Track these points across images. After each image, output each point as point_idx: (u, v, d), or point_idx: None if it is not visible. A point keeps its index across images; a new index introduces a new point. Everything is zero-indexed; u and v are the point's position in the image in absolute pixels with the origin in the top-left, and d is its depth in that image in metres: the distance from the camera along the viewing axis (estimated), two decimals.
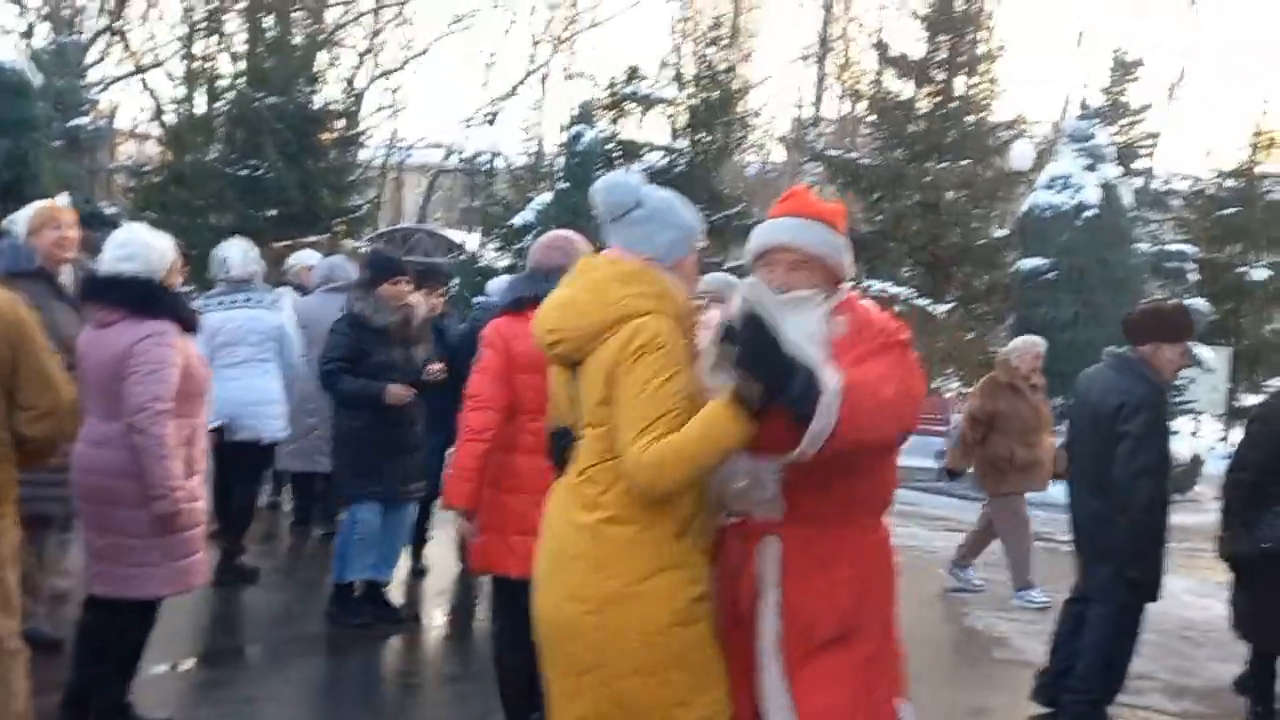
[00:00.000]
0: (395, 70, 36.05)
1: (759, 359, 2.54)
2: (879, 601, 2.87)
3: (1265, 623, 5.36)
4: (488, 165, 27.40)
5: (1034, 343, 8.53)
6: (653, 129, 22.04)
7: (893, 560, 2.97)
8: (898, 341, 2.77)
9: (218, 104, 27.84)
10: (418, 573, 7.62)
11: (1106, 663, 5.22)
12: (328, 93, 27.75)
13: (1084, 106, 18.63)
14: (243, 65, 27.33)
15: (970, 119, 20.42)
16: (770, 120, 33.47)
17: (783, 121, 32.86)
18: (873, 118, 21.77)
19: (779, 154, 31.03)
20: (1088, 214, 14.33)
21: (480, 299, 9.07)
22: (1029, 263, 14.71)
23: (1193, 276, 18.46)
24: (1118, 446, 4.98)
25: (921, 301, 17.57)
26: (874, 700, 2.78)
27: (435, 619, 6.92)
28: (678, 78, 22.51)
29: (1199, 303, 16.87)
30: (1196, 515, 11.23)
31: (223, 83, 26.84)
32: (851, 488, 2.79)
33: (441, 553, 7.95)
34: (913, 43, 20.96)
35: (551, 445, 2.98)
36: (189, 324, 4.34)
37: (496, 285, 8.05)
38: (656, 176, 20.43)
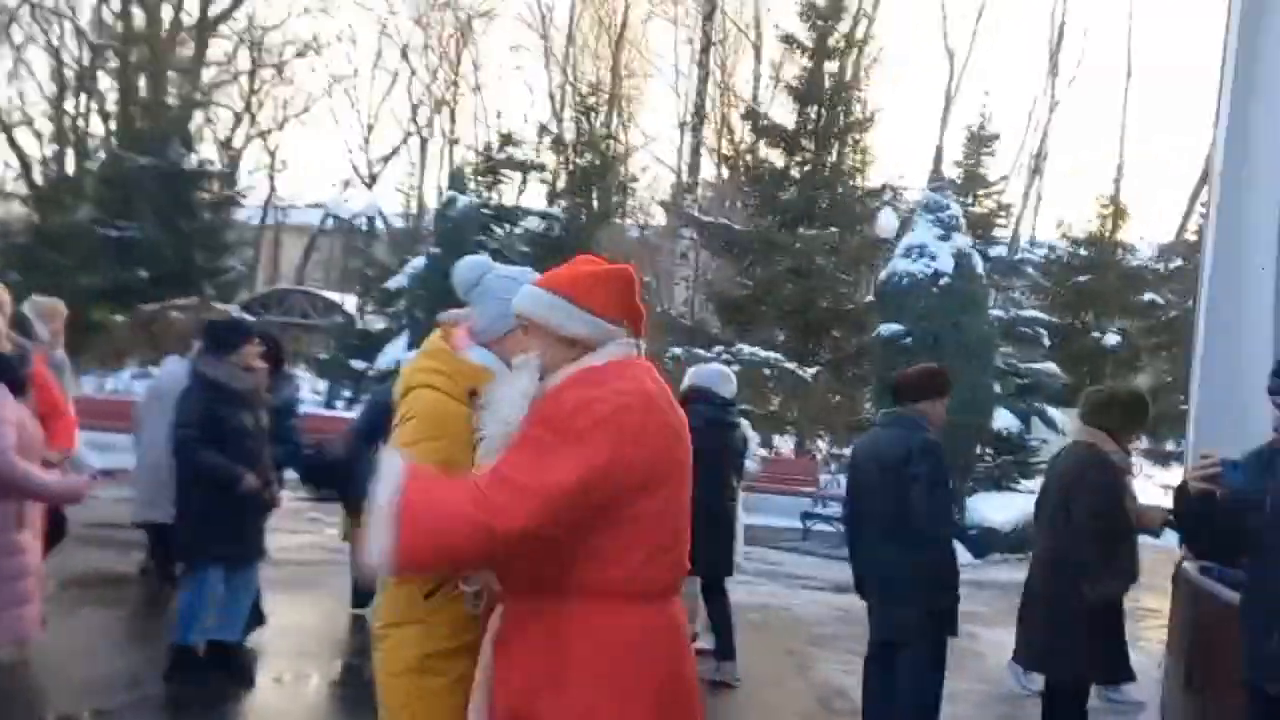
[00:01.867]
0: (273, 130, 36.07)
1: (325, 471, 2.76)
2: (586, 691, 2.57)
3: (1059, 655, 5.66)
4: (367, 227, 27.41)
5: None
6: (533, 194, 22.43)
7: (640, 651, 2.62)
8: (571, 429, 2.53)
9: (88, 163, 27.46)
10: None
11: (925, 703, 5.51)
12: (203, 152, 27.63)
13: (937, 178, 19.39)
14: (114, 125, 27.05)
15: (840, 188, 21.15)
16: (651, 185, 34.25)
17: (664, 186, 33.55)
18: (747, 185, 22.38)
19: (660, 218, 31.61)
20: (943, 281, 14.89)
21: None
22: (888, 328, 15.21)
23: (1045, 342, 19.21)
24: (910, 491, 5.36)
25: (790, 365, 17.98)
26: None
27: (287, 678, 6.92)
28: (556, 143, 22.89)
29: (1050, 366, 17.58)
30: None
31: (93, 142, 26.54)
32: (560, 565, 2.58)
33: (297, 609, 7.95)
34: (785, 113, 21.70)
35: None
36: (19, 386, 4.40)
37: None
38: (534, 241, 20.73)
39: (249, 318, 19.44)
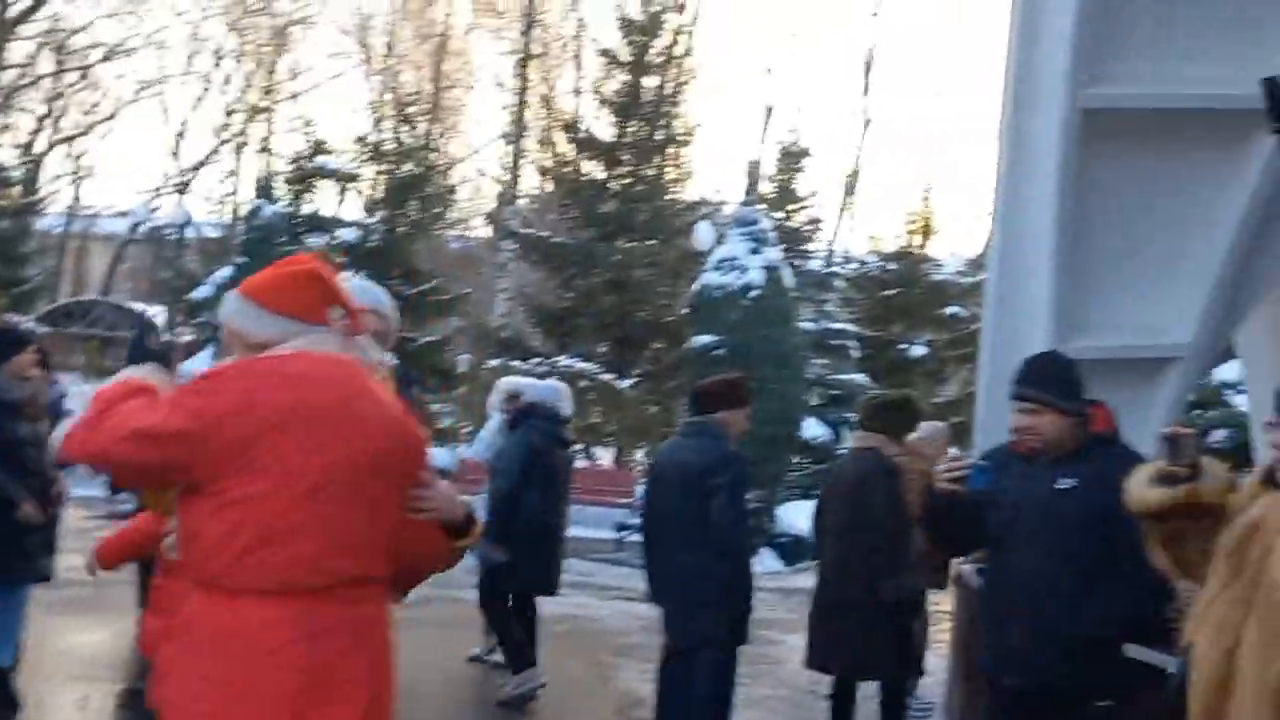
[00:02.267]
0: (79, 135, 34.64)
1: None
2: (173, 686, 2.58)
3: (846, 652, 5.88)
4: (177, 236, 26.56)
5: (940, 428, 8.30)
6: (352, 204, 22.05)
7: (261, 654, 2.50)
8: (185, 389, 2.66)
9: None
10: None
11: (719, 706, 5.65)
12: (2, 157, 26.40)
13: (749, 193, 19.87)
14: None
15: (658, 201, 21.42)
16: (475, 196, 34.12)
17: (489, 198, 33.46)
18: (566, 198, 22.47)
19: (485, 230, 31.52)
20: (753, 294, 15.25)
21: None
22: (701, 339, 15.52)
23: (855, 353, 19.81)
24: (712, 500, 5.49)
25: (607, 376, 18.13)
26: None
27: (64, 700, 6.66)
28: (374, 152, 22.57)
29: (859, 377, 18.13)
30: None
31: None
32: (195, 547, 2.60)
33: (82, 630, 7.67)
34: (604, 126, 21.88)
35: None
36: None
37: None
38: (350, 251, 20.40)
39: (39, 328, 18.63)
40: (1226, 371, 12.36)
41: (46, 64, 33.62)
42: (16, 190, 25.53)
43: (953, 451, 5.78)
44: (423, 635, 8.79)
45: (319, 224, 20.84)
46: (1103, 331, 6.17)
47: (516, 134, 27.80)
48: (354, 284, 3.27)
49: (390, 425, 2.69)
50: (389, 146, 22.40)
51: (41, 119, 33.91)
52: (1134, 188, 6.15)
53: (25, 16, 31.60)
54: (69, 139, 34.72)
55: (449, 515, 2.82)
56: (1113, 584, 3.85)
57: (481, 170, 34.57)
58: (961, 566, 6.55)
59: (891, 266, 23.47)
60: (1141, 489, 3.26)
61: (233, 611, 2.51)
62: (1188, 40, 5.86)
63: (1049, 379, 4.06)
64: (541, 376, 11.13)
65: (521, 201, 28.19)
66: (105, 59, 33.57)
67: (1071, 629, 3.86)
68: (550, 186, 26.87)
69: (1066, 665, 3.88)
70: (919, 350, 22.20)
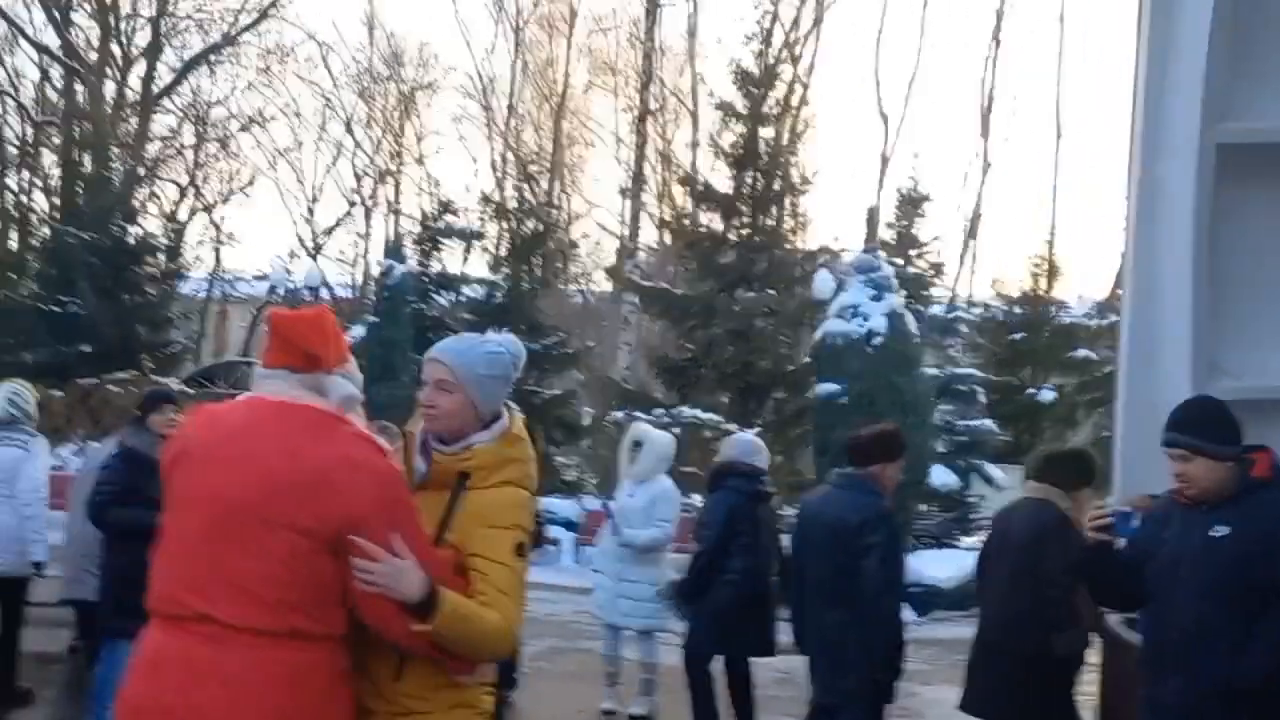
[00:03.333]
0: (218, 203, 36.03)
1: None
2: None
3: (1010, 702, 5.74)
4: (312, 298, 27.37)
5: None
6: (479, 262, 22.55)
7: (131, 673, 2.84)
8: None
9: (31, 240, 27.30)
10: None
11: None
12: (148, 226, 27.58)
13: (869, 239, 19.79)
14: (57, 201, 26.97)
15: (777, 251, 21.45)
16: (594, 251, 34.54)
17: (608, 252, 33.84)
18: (686, 250, 22.64)
19: (604, 284, 31.85)
20: (876, 341, 15.12)
21: None
22: (825, 388, 15.41)
23: (982, 399, 19.48)
24: (864, 559, 5.38)
25: (732, 426, 18.10)
26: None
27: None
28: (498, 210, 23.07)
29: (987, 423, 17.82)
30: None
31: (36, 219, 26.41)
32: None
33: None
34: (722, 178, 22.04)
35: None
36: None
37: None
38: (476, 308, 20.83)
39: (187, 390, 19.35)
40: None
41: (188, 135, 35.15)
42: (162, 258, 26.58)
43: (1102, 501, 5.63)
44: (545, 686, 8.92)
45: (447, 282, 21.31)
46: (1247, 372, 5.98)
47: (635, 188, 28.15)
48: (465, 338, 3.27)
49: (267, 473, 2.71)
50: (512, 205, 22.88)
51: (184, 188, 35.39)
52: (1274, 224, 5.97)
53: (168, 90, 33.11)
54: (210, 207, 36.15)
55: (396, 593, 2.69)
56: (1273, 634, 3.72)
57: (602, 225, 35.03)
58: (1108, 619, 6.38)
59: (1017, 310, 23.10)
60: None
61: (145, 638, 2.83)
62: None
63: (1201, 423, 3.94)
64: (665, 427, 11.10)
65: (641, 255, 28.47)
66: (243, 129, 34.95)
67: (1230, 682, 3.73)
68: (669, 239, 27.11)
69: (1226, 719, 3.76)
70: (1048, 395, 21.74)
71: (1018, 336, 22.41)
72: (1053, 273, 23.74)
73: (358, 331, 19.34)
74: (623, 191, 32.02)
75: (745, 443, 7.66)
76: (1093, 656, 7.49)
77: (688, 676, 7.34)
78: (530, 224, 22.15)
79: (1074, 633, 5.58)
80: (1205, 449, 3.87)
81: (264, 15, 32.87)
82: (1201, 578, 3.80)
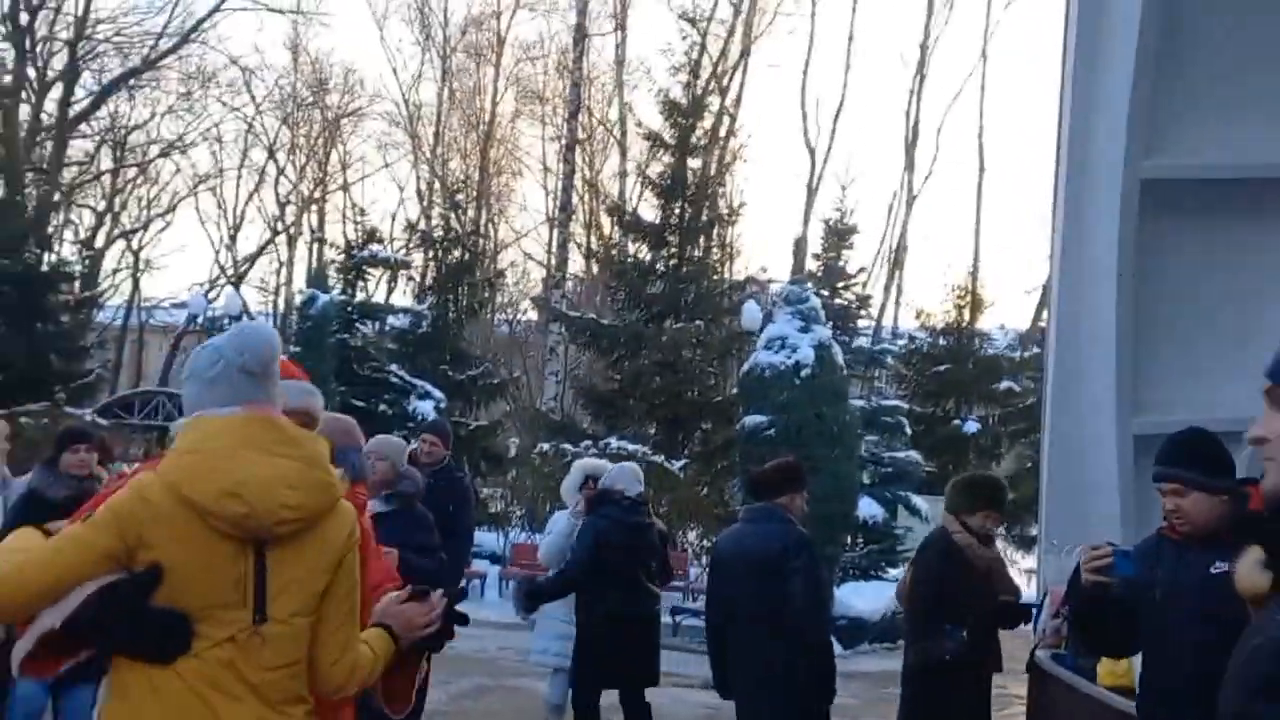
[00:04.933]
0: (137, 229, 35.37)
1: None
2: None
3: None
4: (231, 326, 26.93)
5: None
6: (402, 290, 22.34)
7: None
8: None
9: None
10: None
11: None
12: (63, 252, 26.97)
13: (796, 271, 19.90)
14: None
15: (705, 282, 21.48)
16: (521, 280, 34.40)
17: (535, 282, 33.72)
18: (613, 280, 22.60)
19: (531, 314, 31.69)
20: (804, 372, 15.14)
21: None
22: (752, 419, 15.40)
23: (907, 430, 19.60)
24: (788, 586, 5.33)
25: (658, 458, 18.01)
26: None
27: None
28: (424, 239, 22.86)
29: (913, 454, 17.93)
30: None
31: None
32: None
33: None
34: (650, 208, 22.05)
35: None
36: None
37: None
38: (400, 338, 20.58)
39: (98, 420, 18.84)
40: None
41: (106, 161, 34.49)
42: (77, 285, 25.98)
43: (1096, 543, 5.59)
44: None
45: (370, 311, 21.03)
46: (1170, 407, 6.00)
47: (563, 218, 28.10)
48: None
49: None
50: (438, 233, 22.68)
51: (101, 214, 34.70)
52: (1198, 259, 6.01)
53: (86, 115, 32.46)
54: (128, 233, 35.46)
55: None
56: None
57: (528, 254, 34.92)
58: (1038, 652, 6.36)
59: (941, 342, 23.34)
60: (1253, 574, 2.97)
61: None
62: (1246, 107, 5.75)
63: (1192, 456, 3.72)
64: (598, 458, 10.92)
65: (569, 284, 28.40)
66: (163, 154, 34.36)
67: None
68: (597, 269, 27.05)
69: None
70: (972, 426, 21.96)
71: (942, 368, 22.63)
72: (976, 304, 24.05)
73: None
74: (550, 221, 31.98)
75: (621, 470, 7.56)
76: (1019, 688, 7.51)
77: (573, 713, 7.24)
78: (456, 253, 21.96)
79: (934, 641, 5.57)
80: (1198, 481, 3.67)
81: (185, 39, 32.38)
82: (1202, 617, 3.58)
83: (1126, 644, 4.20)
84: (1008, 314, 53.15)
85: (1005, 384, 23.08)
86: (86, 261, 29.78)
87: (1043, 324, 27.99)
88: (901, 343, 24.38)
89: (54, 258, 24.82)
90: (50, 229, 26.41)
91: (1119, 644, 4.33)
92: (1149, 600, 3.76)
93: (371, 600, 2.85)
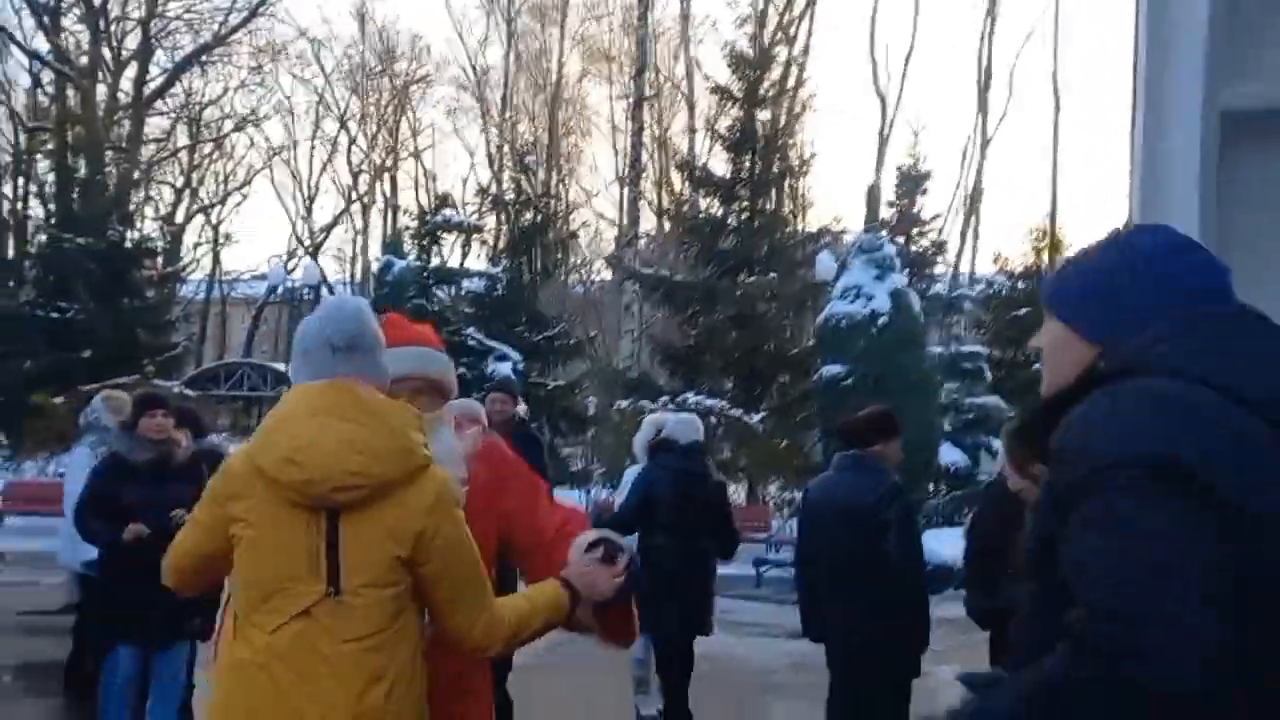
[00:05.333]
0: (215, 204, 36.02)
1: None
2: None
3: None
4: (311, 297, 27.31)
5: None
6: (476, 254, 22.51)
7: None
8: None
9: (27, 247, 27.25)
10: None
11: None
12: (144, 229, 27.54)
13: (870, 220, 19.69)
14: (53, 207, 26.90)
15: (777, 234, 21.36)
16: (593, 240, 34.47)
17: (607, 241, 33.75)
18: (685, 236, 22.54)
19: (604, 273, 31.75)
20: (880, 321, 15.03)
21: None
22: (829, 370, 15.34)
23: (988, 375, 19.37)
24: (883, 537, 5.33)
25: (736, 412, 18.03)
26: None
27: None
28: (495, 203, 22.98)
29: (994, 400, 17.73)
30: None
31: (32, 225, 26.35)
32: None
33: None
34: (720, 163, 21.93)
35: None
36: None
37: None
38: (476, 301, 20.75)
39: (186, 392, 19.28)
40: None
41: (182, 137, 35.09)
42: (160, 261, 26.53)
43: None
44: (552, 680, 8.82)
45: (446, 276, 21.23)
46: None
47: (633, 176, 28.04)
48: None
49: None
50: (509, 197, 22.79)
51: (180, 190, 35.35)
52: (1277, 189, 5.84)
53: (161, 93, 33.04)
54: (207, 208, 36.13)
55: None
56: None
57: (600, 214, 34.93)
58: None
59: (1020, 285, 22.97)
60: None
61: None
62: None
63: None
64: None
65: (641, 243, 28.39)
66: (237, 129, 34.87)
67: None
68: (669, 226, 27.01)
69: None
70: None
71: (1022, 312, 22.27)
72: (1055, 245, 23.60)
73: None
74: (620, 179, 31.94)
75: (678, 421, 7.53)
76: None
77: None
78: (529, 215, 22.06)
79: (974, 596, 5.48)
80: None
81: (254, 13, 32.77)
82: None
83: None
84: None
85: None
86: (168, 237, 30.36)
87: None
88: (980, 288, 24.03)
89: (137, 234, 25.31)
90: (132, 206, 26.89)
91: None
92: None
93: (562, 542, 2.88)
